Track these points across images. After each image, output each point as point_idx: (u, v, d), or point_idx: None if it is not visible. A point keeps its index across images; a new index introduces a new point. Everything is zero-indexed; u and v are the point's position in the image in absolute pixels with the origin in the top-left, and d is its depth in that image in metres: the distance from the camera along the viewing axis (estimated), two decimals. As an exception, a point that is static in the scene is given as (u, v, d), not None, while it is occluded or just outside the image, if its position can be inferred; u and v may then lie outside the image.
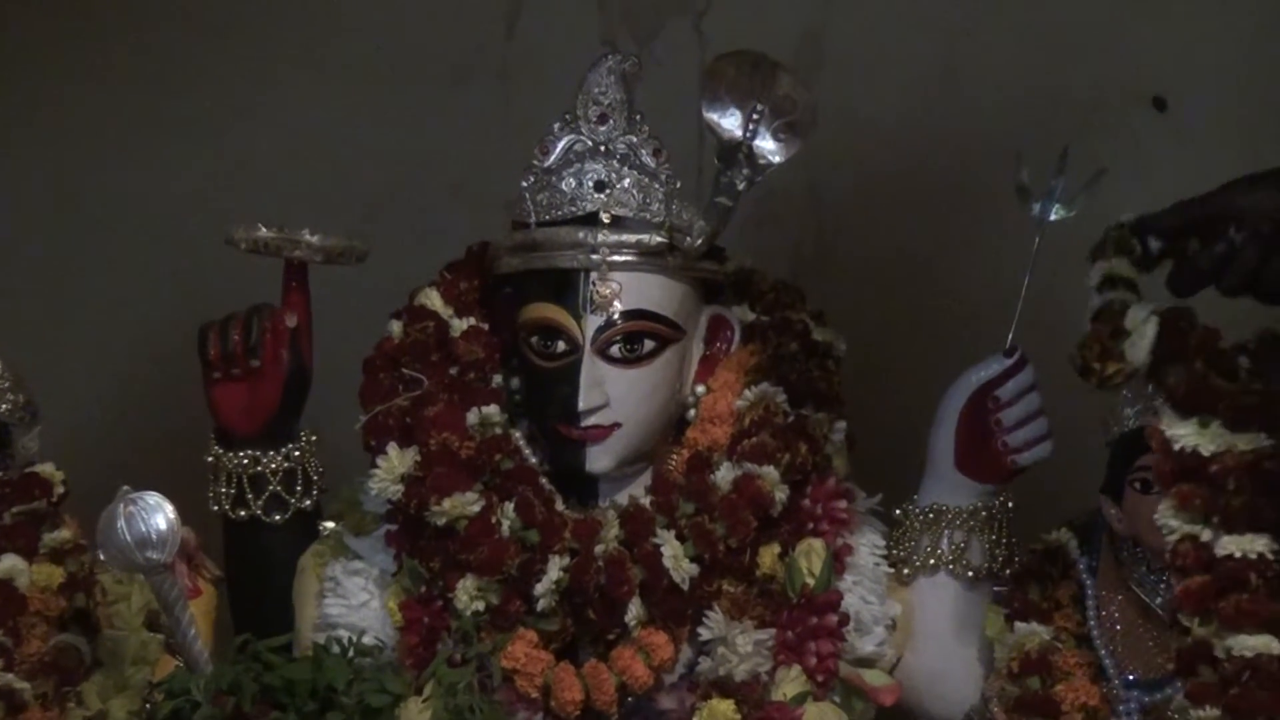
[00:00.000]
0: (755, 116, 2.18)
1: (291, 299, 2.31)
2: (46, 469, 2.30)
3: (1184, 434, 1.88)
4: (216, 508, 2.28)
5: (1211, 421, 1.88)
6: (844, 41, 2.98)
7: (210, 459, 2.30)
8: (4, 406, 2.30)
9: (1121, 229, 1.99)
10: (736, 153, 2.20)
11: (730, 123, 2.20)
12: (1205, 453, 1.88)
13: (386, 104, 3.25)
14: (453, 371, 2.26)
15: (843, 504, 2.21)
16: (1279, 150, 2.74)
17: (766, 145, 2.18)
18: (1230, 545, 1.86)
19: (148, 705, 2.22)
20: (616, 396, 2.15)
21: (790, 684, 2.10)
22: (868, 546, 2.23)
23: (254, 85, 3.49)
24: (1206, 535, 1.88)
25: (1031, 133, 2.75)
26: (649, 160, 2.22)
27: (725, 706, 2.09)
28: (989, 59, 3.15)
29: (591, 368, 2.15)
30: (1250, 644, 1.83)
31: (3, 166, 3.53)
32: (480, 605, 2.14)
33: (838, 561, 2.17)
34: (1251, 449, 1.88)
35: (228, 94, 3.50)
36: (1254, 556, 1.87)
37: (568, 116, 2.22)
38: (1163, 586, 2.17)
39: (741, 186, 2.19)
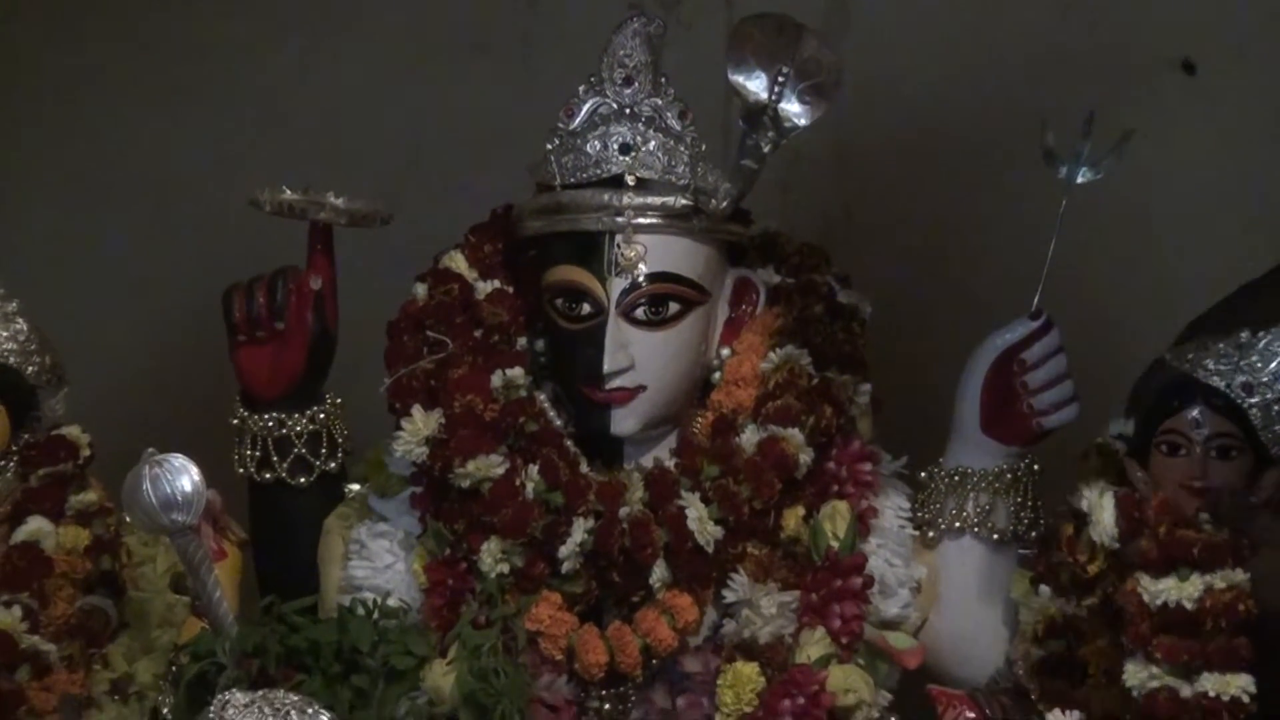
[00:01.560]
0: (781, 79, 2.18)
1: (316, 261, 2.32)
2: (73, 431, 2.34)
3: (1164, 589, 2.00)
4: (241, 470, 2.30)
5: (1189, 573, 2.01)
6: (871, 5, 3.01)
7: (235, 421, 2.32)
8: (30, 369, 2.36)
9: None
10: (762, 115, 2.20)
11: (756, 85, 2.20)
12: (1188, 604, 2.02)
13: (413, 68, 3.29)
14: (477, 334, 2.28)
15: (867, 466, 2.24)
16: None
17: (792, 108, 2.18)
18: (1208, 683, 2.00)
19: (173, 668, 2.26)
20: (641, 359, 2.16)
21: (814, 646, 2.11)
22: (892, 509, 2.26)
23: (284, 51, 3.52)
24: (1186, 690, 2.02)
25: (1059, 97, 2.79)
26: (674, 123, 2.23)
27: (749, 669, 2.12)
28: (1015, 23, 3.17)
29: (616, 330, 2.16)
30: None
31: (34, 133, 3.60)
32: (505, 568, 2.17)
33: (862, 524, 2.19)
34: (1228, 585, 2.00)
35: (257, 58, 3.55)
36: (1227, 697, 2.02)
37: (593, 79, 2.23)
38: None
39: (767, 149, 2.18)
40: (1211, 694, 2.03)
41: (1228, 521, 2.19)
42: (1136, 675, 2.08)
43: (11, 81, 3.72)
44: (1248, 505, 2.20)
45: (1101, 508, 2.17)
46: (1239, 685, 2.03)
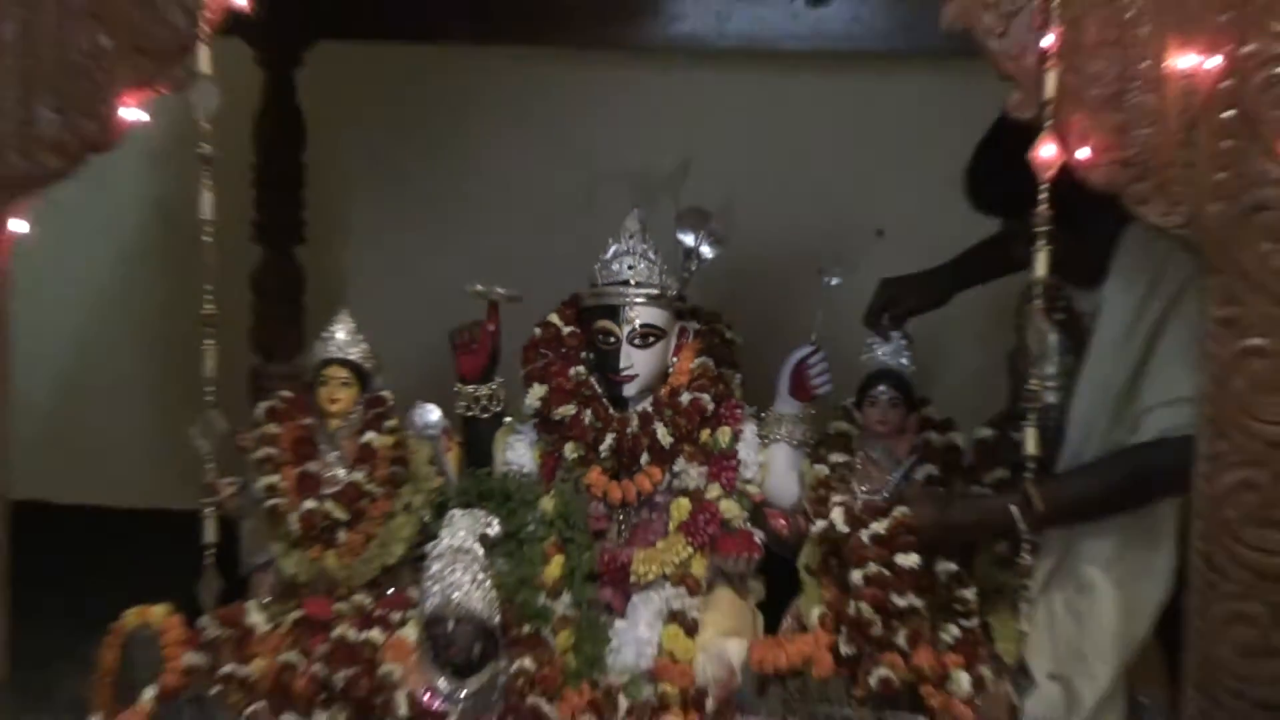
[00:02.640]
0: (699, 237, 3.48)
1: (491, 317, 3.42)
2: (385, 393, 3.43)
3: (872, 529, 3.14)
4: (459, 412, 3.46)
5: (882, 520, 3.16)
6: (737, 186, 3.75)
7: (457, 390, 3.44)
8: (369, 365, 3.39)
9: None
10: (691, 253, 3.48)
11: (688, 239, 3.50)
12: (882, 530, 3.12)
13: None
14: (563, 351, 3.43)
15: (739, 411, 3.39)
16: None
17: (704, 250, 3.50)
18: (902, 560, 3.06)
19: (431, 501, 3.39)
20: (637, 363, 3.34)
21: (713, 490, 3.32)
22: (749, 430, 3.41)
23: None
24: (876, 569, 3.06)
25: (822, 241, 3.74)
26: (652, 256, 3.39)
27: (684, 501, 3.30)
28: (803, 194, 4.39)
29: (626, 350, 3.31)
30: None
31: (357, 172, 4.47)
32: (575, 455, 3.35)
33: (735, 437, 3.39)
34: (894, 521, 3.12)
35: (578, 103, 4.46)
36: (907, 567, 3.07)
37: (614, 238, 3.41)
38: (876, 453, 3.39)
39: (693, 268, 3.49)
40: (905, 566, 3.07)
41: (895, 497, 3.25)
42: (854, 575, 3.10)
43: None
44: (905, 488, 3.31)
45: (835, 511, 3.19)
46: (911, 562, 3.07)
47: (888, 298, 3.53)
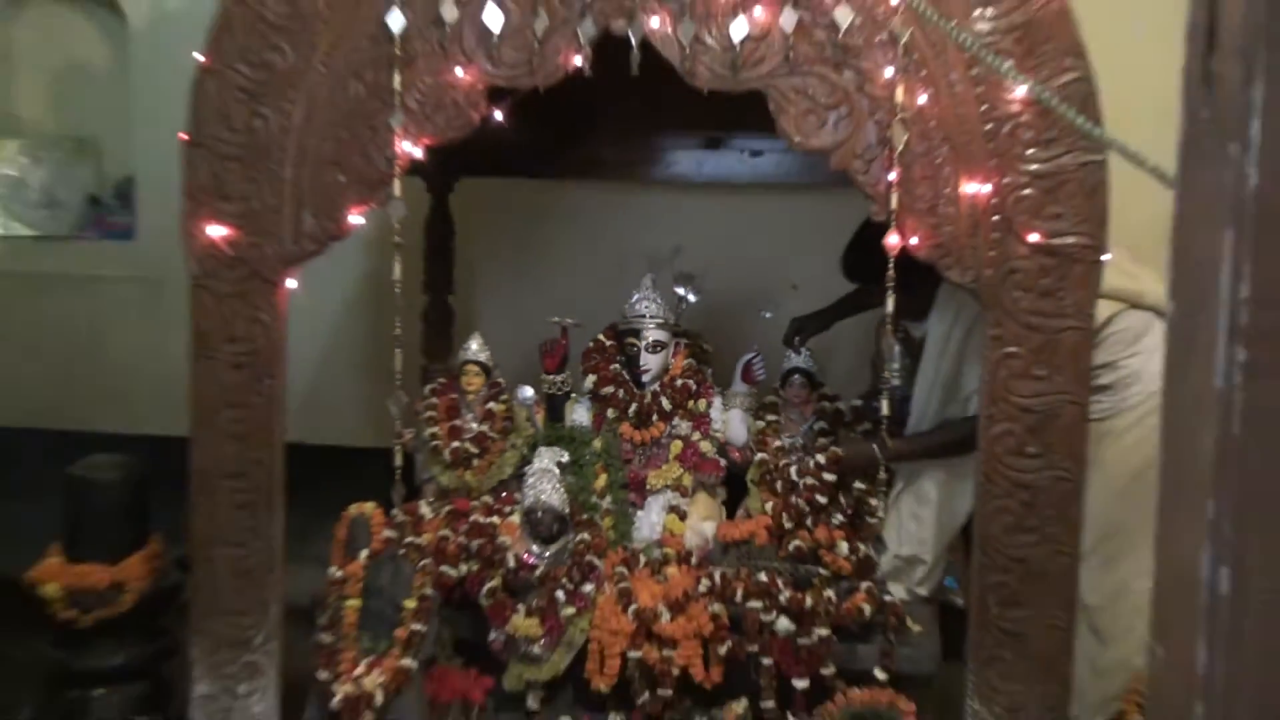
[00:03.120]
0: (686, 289, 3.52)
1: (563, 336, 3.43)
2: (499, 380, 3.42)
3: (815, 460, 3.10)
4: (544, 391, 3.42)
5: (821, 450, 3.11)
6: (709, 260, 3.74)
7: (542, 378, 3.43)
8: (482, 358, 3.42)
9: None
10: (682, 299, 3.50)
11: (680, 290, 3.53)
12: (822, 459, 3.08)
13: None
14: (606, 355, 3.45)
15: (710, 390, 3.39)
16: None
17: (690, 297, 3.52)
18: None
19: (527, 443, 3.35)
20: (650, 363, 3.35)
21: (694, 436, 3.32)
22: (717, 401, 3.39)
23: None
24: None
25: (759, 293, 3.95)
26: (659, 300, 3.40)
27: (678, 443, 3.25)
28: (747, 265, 4.24)
29: (644, 356, 3.34)
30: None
31: (484, 254, 4.30)
32: (614, 416, 3.34)
33: (709, 405, 3.36)
34: (831, 451, 3.11)
35: (614, 213, 4.40)
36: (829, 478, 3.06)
37: (636, 292, 3.41)
38: (792, 415, 3.42)
39: (683, 308, 3.50)
40: (828, 480, 3.09)
41: (810, 442, 3.30)
42: (798, 481, 3.11)
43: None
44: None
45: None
46: (830, 477, 3.09)
47: (797, 327, 3.62)
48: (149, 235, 4.23)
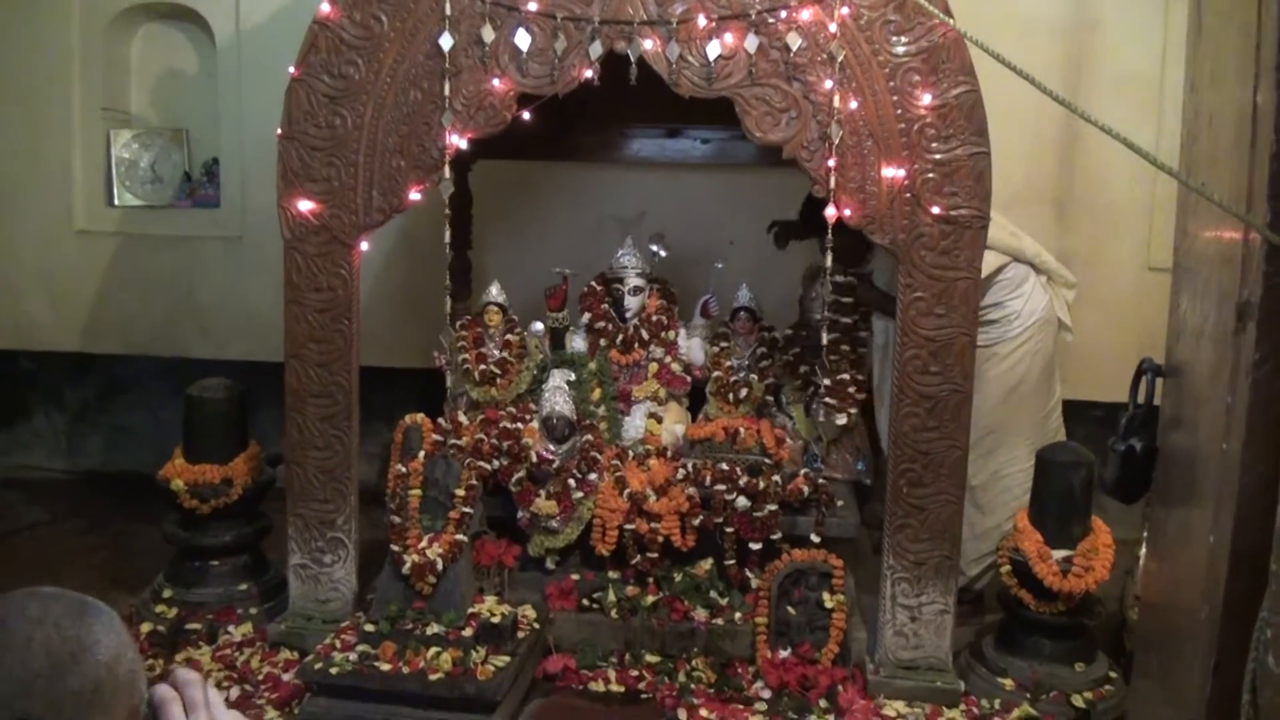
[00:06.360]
0: (657, 245, 3.38)
1: (564, 282, 3.35)
2: (514, 316, 3.30)
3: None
4: (549, 325, 3.31)
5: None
6: (671, 223, 3.76)
7: (548, 314, 3.29)
8: (500, 300, 3.24)
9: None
10: (654, 254, 3.37)
11: (652, 246, 3.39)
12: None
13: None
14: (597, 296, 3.34)
15: (677, 323, 3.31)
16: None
17: (660, 252, 3.39)
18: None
19: (539, 365, 3.26)
20: (631, 303, 3.26)
21: (674, 365, 3.24)
22: (683, 332, 3.33)
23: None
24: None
25: (710, 248, 3.66)
26: (637, 254, 3.31)
27: (654, 364, 3.20)
28: (701, 227, 3.97)
29: (628, 297, 3.25)
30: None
31: (498, 216, 4.00)
32: (604, 344, 3.25)
33: (676, 334, 3.27)
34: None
35: (598, 186, 4.07)
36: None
37: (620, 249, 3.32)
38: (739, 343, 3.33)
39: (655, 260, 3.38)
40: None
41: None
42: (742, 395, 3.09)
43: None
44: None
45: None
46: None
47: (779, 230, 3.52)
48: (230, 203, 4.16)
